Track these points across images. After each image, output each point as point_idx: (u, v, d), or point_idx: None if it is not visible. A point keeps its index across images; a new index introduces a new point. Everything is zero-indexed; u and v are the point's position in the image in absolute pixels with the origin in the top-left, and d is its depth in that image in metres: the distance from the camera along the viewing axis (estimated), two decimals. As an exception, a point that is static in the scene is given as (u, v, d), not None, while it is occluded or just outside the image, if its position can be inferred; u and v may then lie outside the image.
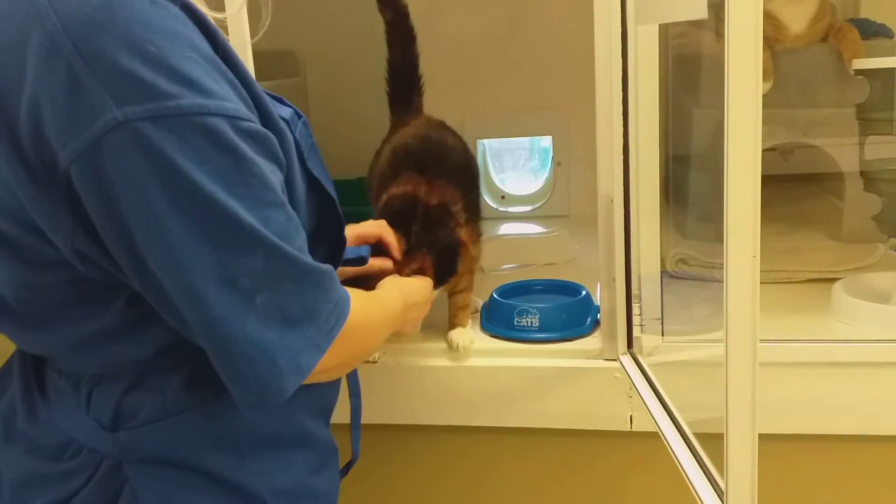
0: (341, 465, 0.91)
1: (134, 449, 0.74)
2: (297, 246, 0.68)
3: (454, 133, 1.39)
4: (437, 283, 1.14)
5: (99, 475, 0.74)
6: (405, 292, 1.01)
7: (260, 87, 0.70)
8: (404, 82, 1.42)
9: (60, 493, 0.75)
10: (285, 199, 0.68)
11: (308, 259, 0.69)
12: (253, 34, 0.96)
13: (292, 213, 0.69)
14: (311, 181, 0.78)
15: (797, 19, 1.42)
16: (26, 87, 0.60)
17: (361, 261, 1.02)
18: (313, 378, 0.70)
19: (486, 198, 2.04)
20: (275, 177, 0.67)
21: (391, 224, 1.13)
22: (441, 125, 1.40)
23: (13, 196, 0.64)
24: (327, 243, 0.83)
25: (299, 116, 0.80)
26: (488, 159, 2.07)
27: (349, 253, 0.98)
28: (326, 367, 0.71)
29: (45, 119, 0.60)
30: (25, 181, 0.63)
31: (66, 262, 0.67)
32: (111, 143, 0.59)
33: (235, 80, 0.66)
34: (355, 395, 0.97)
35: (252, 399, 0.67)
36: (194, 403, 0.74)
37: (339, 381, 0.90)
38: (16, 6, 0.62)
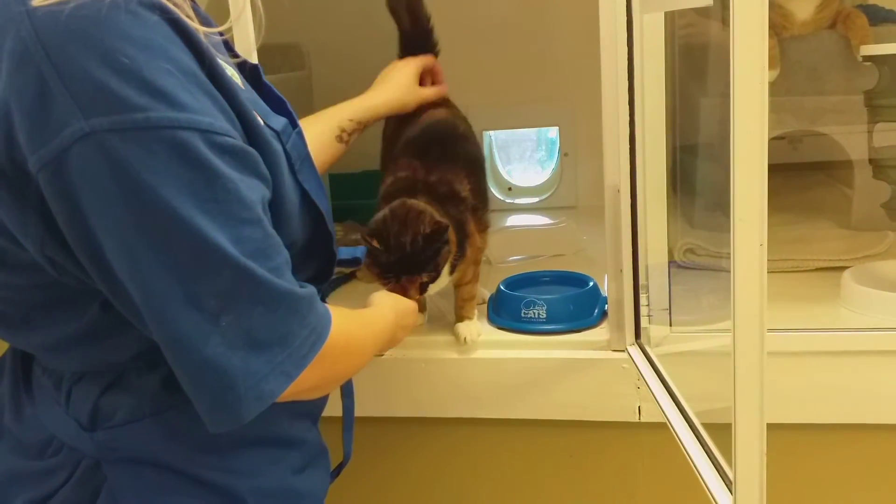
0: (333, 465, 0.91)
1: (112, 448, 0.73)
2: (274, 266, 0.66)
3: (465, 119, 1.39)
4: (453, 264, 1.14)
5: (78, 474, 0.74)
6: (398, 311, 0.99)
7: (247, 100, 0.68)
8: (418, 48, 1.35)
9: (41, 490, 0.74)
10: (264, 217, 0.66)
11: (283, 282, 0.66)
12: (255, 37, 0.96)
13: (271, 230, 0.67)
14: (304, 193, 0.76)
15: (804, 7, 1.41)
16: (0, 91, 0.60)
17: (356, 262, 1.02)
18: (286, 398, 0.68)
19: (492, 189, 2.03)
20: (253, 193, 0.65)
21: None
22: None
23: None
24: (319, 256, 0.82)
25: (294, 126, 0.78)
26: (495, 151, 2.06)
27: (344, 254, 0.98)
28: (299, 389, 0.69)
29: (15, 124, 0.60)
30: None
31: (40, 266, 0.66)
32: (77, 155, 0.58)
33: (216, 93, 0.64)
34: (347, 395, 0.95)
35: (209, 420, 0.66)
36: (172, 404, 0.73)
37: None
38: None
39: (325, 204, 0.80)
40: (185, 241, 0.61)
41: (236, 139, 0.64)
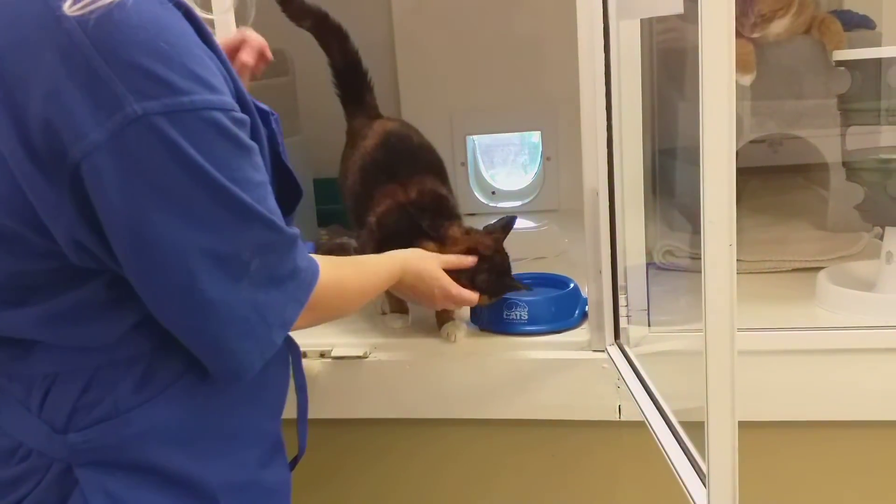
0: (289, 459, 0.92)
1: (84, 450, 0.74)
2: (279, 216, 0.74)
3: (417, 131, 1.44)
4: None
5: (48, 479, 0.74)
6: (407, 261, 1.07)
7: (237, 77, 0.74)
8: (351, 81, 1.48)
9: (9, 498, 0.75)
10: (267, 176, 0.74)
11: (288, 228, 0.75)
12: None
13: (269, 188, 0.74)
14: (283, 174, 0.82)
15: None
16: (41, 81, 0.63)
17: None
18: (293, 329, 0.78)
19: (476, 193, 2.05)
20: (257, 157, 0.72)
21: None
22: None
23: (13, 187, 0.66)
24: None
25: (271, 114, 0.83)
26: (478, 155, 2.08)
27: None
28: (301, 324, 0.78)
29: (58, 112, 0.63)
30: (31, 172, 0.65)
31: (55, 252, 0.69)
32: (131, 137, 0.63)
33: (225, 72, 0.71)
34: (301, 389, 0.98)
35: (245, 360, 0.74)
36: (144, 400, 0.75)
37: (287, 375, 0.91)
38: (30, 3, 0.65)
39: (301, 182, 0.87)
40: (227, 205, 0.68)
41: (240, 112, 0.71)
